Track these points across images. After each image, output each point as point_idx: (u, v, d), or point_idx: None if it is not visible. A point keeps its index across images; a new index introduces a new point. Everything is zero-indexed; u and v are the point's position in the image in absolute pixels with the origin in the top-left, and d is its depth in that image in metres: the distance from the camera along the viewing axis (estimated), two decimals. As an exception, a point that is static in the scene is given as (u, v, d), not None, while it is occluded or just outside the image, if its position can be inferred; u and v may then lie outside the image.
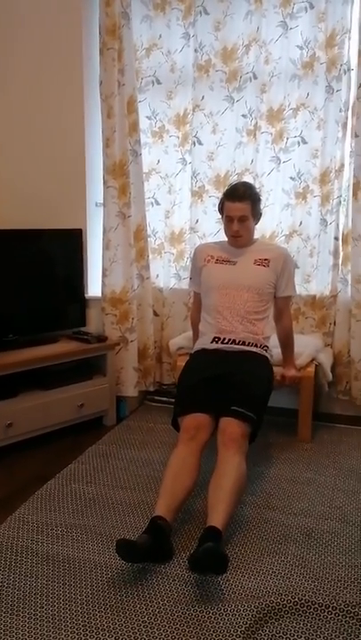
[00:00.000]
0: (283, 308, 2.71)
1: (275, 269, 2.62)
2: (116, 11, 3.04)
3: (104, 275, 3.28)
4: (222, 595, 1.79)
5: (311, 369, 2.92)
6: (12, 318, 3.10)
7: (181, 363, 2.75)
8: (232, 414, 2.23)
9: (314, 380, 2.92)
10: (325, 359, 3.03)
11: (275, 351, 2.71)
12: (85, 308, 3.40)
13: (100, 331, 3.35)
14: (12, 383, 2.85)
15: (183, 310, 3.44)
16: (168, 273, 3.47)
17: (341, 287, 3.18)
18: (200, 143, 3.27)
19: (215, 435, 2.24)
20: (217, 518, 1.91)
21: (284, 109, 3.15)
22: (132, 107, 3.17)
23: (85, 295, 3.41)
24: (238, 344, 2.53)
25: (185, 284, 3.36)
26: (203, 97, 3.23)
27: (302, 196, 3.21)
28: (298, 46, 3.08)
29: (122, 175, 3.17)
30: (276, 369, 2.65)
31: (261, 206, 2.68)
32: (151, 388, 3.50)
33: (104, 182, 3.21)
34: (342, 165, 3.09)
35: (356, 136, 2.96)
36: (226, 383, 2.35)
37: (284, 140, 3.18)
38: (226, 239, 2.70)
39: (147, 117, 3.35)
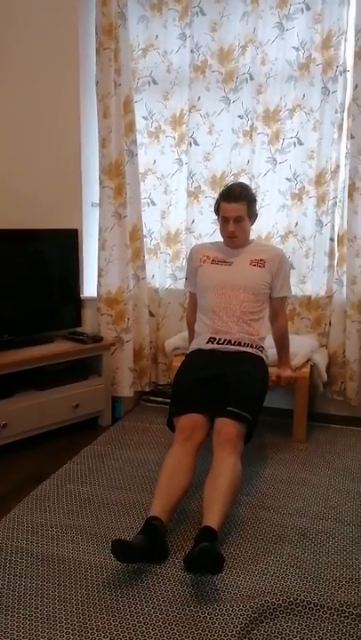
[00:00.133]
0: (278, 308, 2.72)
1: (270, 270, 2.62)
2: (113, 11, 3.04)
3: (100, 275, 3.28)
4: (218, 595, 1.79)
5: (306, 369, 2.93)
6: (8, 318, 3.09)
7: (177, 363, 2.75)
8: (227, 415, 2.23)
9: (309, 381, 2.93)
10: (321, 360, 3.04)
11: (270, 352, 2.72)
12: (81, 309, 3.40)
13: (96, 331, 3.35)
14: (8, 383, 2.84)
15: (179, 311, 3.44)
16: (164, 273, 3.47)
17: (337, 288, 3.19)
18: (196, 144, 3.28)
19: (211, 435, 2.24)
20: (212, 518, 1.91)
21: (280, 110, 3.16)
22: (128, 107, 3.17)
23: (81, 295, 3.40)
24: (234, 344, 2.53)
25: (181, 285, 3.37)
26: (199, 97, 3.23)
27: (298, 197, 3.22)
28: (294, 47, 3.09)
29: (118, 175, 3.17)
30: (271, 369, 2.65)
31: (257, 207, 2.69)
32: (147, 389, 3.50)
33: (100, 182, 3.20)
34: (338, 167, 3.11)
35: (352, 137, 2.97)
36: (221, 383, 2.36)
37: (280, 141, 3.19)
38: (222, 240, 2.71)
39: (143, 118, 3.35)
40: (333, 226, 3.15)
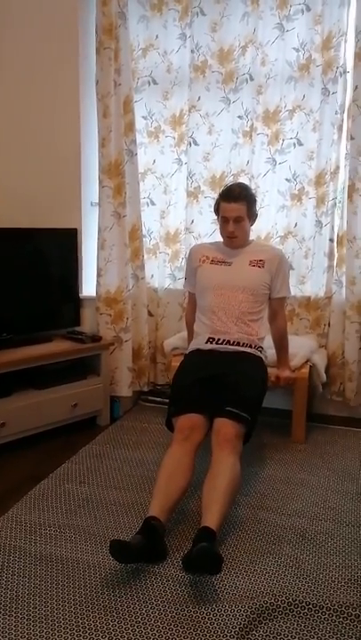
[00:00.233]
0: (277, 309, 2.71)
1: (270, 270, 2.62)
2: (113, 10, 3.04)
3: (99, 274, 3.27)
4: (216, 595, 1.79)
5: (305, 370, 2.93)
6: (7, 317, 3.08)
7: (176, 363, 2.75)
8: (226, 415, 2.23)
9: (308, 381, 2.93)
10: (320, 360, 3.04)
11: (269, 352, 2.71)
12: (80, 308, 3.39)
13: (95, 330, 3.34)
14: (6, 382, 2.83)
15: (178, 310, 3.44)
16: (163, 273, 3.47)
17: (336, 289, 3.19)
18: (196, 144, 3.28)
19: (209, 435, 2.24)
20: (211, 519, 1.91)
21: (280, 111, 3.16)
22: (128, 106, 3.17)
23: (80, 295, 3.40)
24: (233, 344, 2.53)
25: (180, 285, 3.36)
26: (199, 98, 3.23)
27: (298, 197, 3.22)
28: (294, 48, 3.09)
29: (117, 175, 3.17)
30: (270, 370, 2.65)
31: (257, 207, 2.68)
32: (145, 389, 3.49)
33: (99, 182, 3.20)
34: (338, 167, 3.11)
35: (352, 138, 2.98)
36: (220, 383, 2.35)
37: (280, 141, 3.19)
38: (221, 240, 2.71)
39: (143, 117, 3.35)
40: (333, 227, 3.16)
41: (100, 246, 3.24)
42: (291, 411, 2.99)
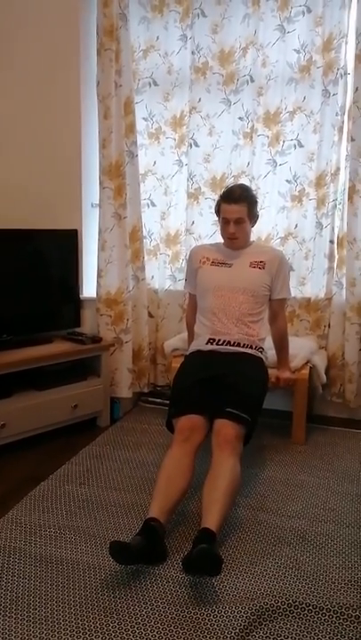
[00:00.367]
0: (277, 310, 2.71)
1: (270, 272, 2.62)
2: (114, 12, 3.05)
3: (99, 275, 3.28)
4: (216, 596, 1.79)
5: (305, 371, 2.93)
6: (7, 318, 3.08)
7: (176, 364, 2.75)
8: (227, 416, 2.22)
9: (308, 383, 2.93)
10: (320, 362, 3.04)
11: (269, 353, 2.71)
12: (80, 309, 3.39)
13: (95, 331, 3.34)
14: (6, 383, 2.83)
15: (178, 312, 3.44)
16: (163, 274, 3.47)
17: (336, 290, 3.19)
18: (196, 145, 3.28)
19: (210, 436, 2.23)
20: (211, 520, 1.90)
21: (281, 112, 3.17)
22: (128, 108, 3.17)
23: (80, 296, 3.40)
24: (233, 345, 2.53)
25: (180, 286, 3.36)
26: (199, 99, 3.23)
27: (298, 199, 3.22)
28: (295, 50, 3.10)
29: (118, 176, 3.17)
30: (270, 371, 2.65)
31: (258, 209, 2.69)
32: (145, 390, 3.49)
33: (100, 183, 3.20)
34: (338, 169, 3.11)
35: (352, 140, 2.98)
36: (220, 384, 2.35)
37: (281, 143, 3.20)
38: (222, 241, 2.71)
39: (143, 119, 3.35)
40: (333, 228, 3.16)
41: (101, 247, 3.25)
42: (291, 412, 2.99)
